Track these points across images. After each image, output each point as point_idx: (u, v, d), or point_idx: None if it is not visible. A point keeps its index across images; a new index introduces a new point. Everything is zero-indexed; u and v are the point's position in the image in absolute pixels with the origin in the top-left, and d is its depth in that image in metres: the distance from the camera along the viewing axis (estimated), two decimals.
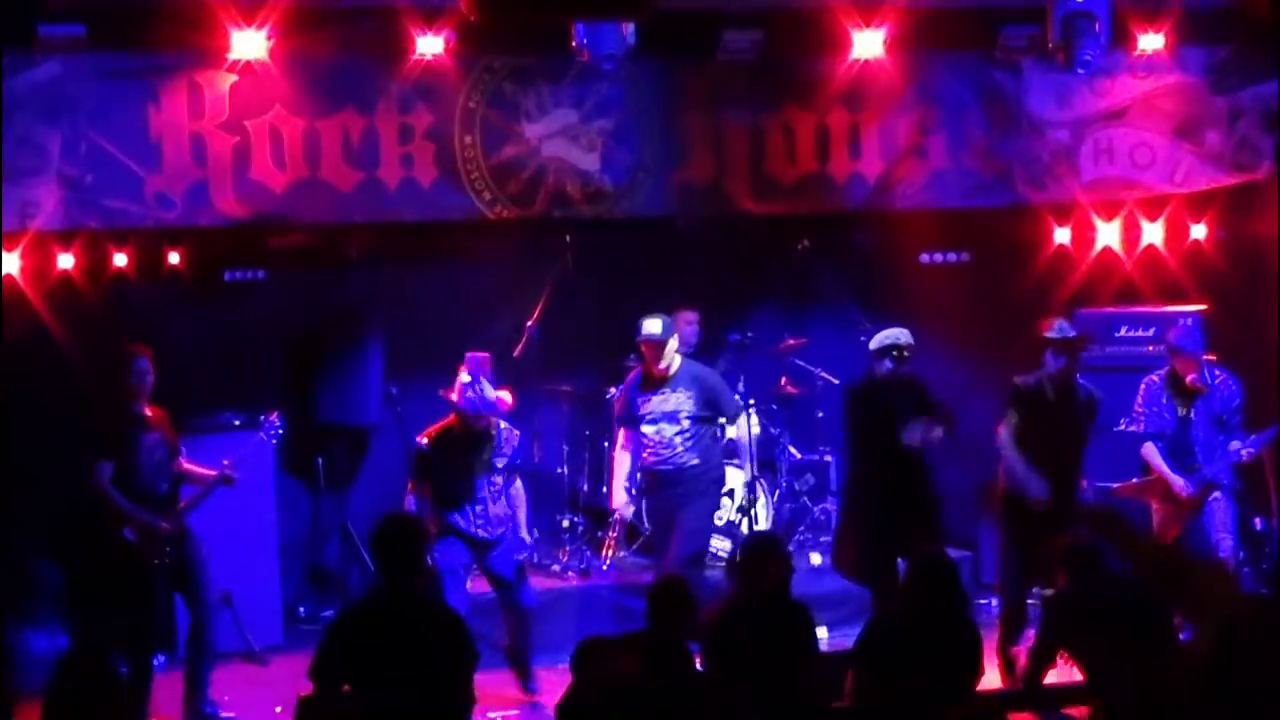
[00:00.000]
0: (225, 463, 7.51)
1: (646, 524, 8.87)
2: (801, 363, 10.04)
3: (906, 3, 8.13)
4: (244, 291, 9.31)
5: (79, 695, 4.64)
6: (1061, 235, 9.66)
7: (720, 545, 9.05)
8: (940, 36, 8.45)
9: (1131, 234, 9.56)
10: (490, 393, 7.66)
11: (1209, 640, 4.36)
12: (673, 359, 8.02)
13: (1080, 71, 8.29)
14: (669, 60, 8.51)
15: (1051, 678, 6.29)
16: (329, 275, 9.49)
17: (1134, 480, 8.10)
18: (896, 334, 7.72)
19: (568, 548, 9.37)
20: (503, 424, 7.85)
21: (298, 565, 9.48)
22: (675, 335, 8.09)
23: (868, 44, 8.25)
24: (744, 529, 8.87)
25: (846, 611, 8.37)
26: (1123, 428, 8.04)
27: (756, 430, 9.46)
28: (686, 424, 7.99)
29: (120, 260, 8.74)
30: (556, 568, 9.23)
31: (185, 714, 7.37)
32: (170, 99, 7.98)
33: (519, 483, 7.94)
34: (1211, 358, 8.12)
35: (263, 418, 7.89)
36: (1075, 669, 6.18)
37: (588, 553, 9.32)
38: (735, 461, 9.30)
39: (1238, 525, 8.08)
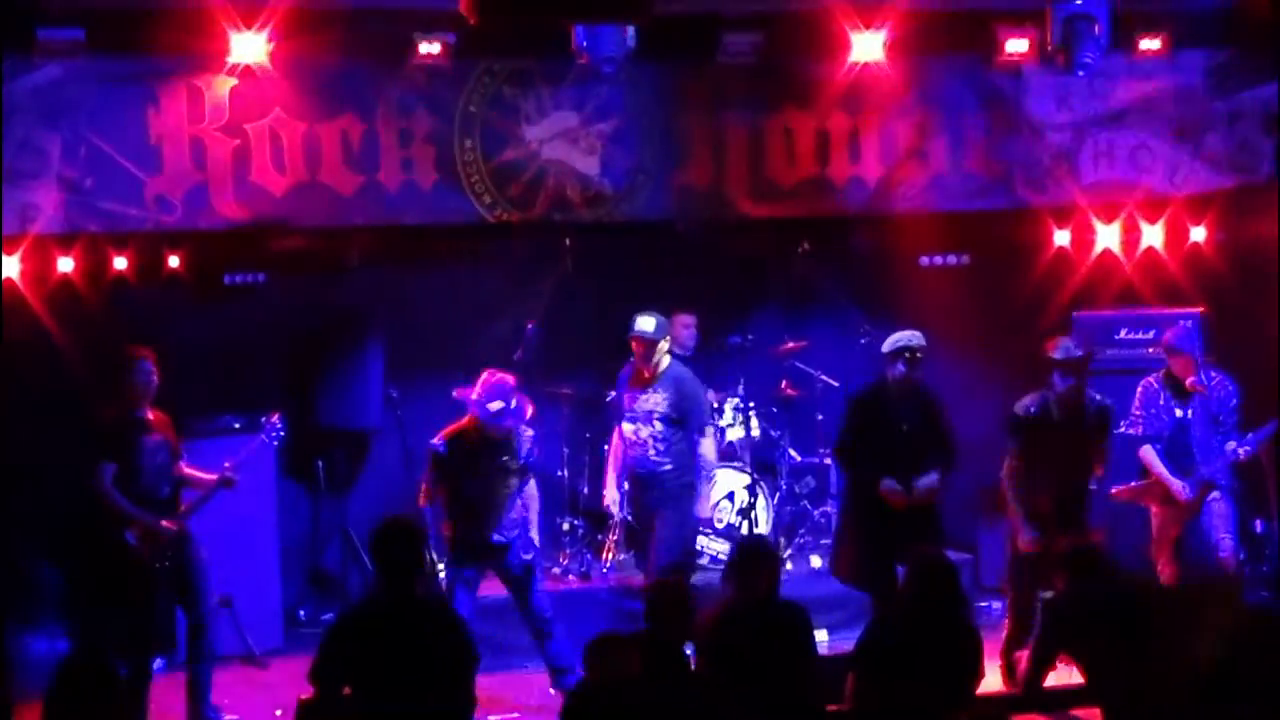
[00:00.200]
0: (226, 465, 7.51)
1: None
2: (801, 365, 10.04)
3: (906, 5, 8.12)
4: (244, 295, 9.31)
5: (78, 698, 4.64)
6: (1061, 238, 9.66)
7: (718, 548, 9.05)
8: (940, 39, 8.45)
9: (1131, 236, 9.56)
10: (525, 411, 7.61)
11: (1210, 653, 4.39)
12: (662, 360, 8.01)
13: (1080, 74, 8.29)
14: (669, 63, 8.51)
15: (1051, 679, 6.30)
16: (329, 278, 9.49)
17: (1133, 483, 8.09)
18: (909, 336, 7.69)
19: (568, 550, 9.37)
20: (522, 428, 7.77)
21: (298, 568, 9.48)
22: (668, 338, 8.09)
23: (867, 47, 8.24)
24: (744, 532, 8.88)
25: (846, 614, 8.37)
26: (1122, 430, 8.03)
27: (756, 433, 9.50)
28: (659, 426, 7.97)
29: (120, 263, 8.74)
30: (557, 570, 9.24)
31: (188, 718, 7.36)
32: (170, 102, 7.98)
33: (533, 483, 7.85)
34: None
35: (264, 420, 7.89)
36: (1075, 671, 6.19)
37: (588, 555, 9.33)
38: (736, 464, 9.32)
39: (1237, 526, 8.08)
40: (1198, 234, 9.45)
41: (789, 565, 9.35)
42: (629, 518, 8.84)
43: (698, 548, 9.08)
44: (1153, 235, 9.51)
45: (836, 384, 9.90)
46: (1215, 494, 7.90)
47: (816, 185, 8.89)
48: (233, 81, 7.98)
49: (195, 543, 7.43)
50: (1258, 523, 8.98)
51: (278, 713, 7.53)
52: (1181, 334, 8.06)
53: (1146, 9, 8.44)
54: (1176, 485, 7.89)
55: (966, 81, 8.87)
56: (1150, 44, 8.52)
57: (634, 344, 7.99)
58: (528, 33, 7.98)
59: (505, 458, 7.64)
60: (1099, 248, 9.61)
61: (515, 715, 7.57)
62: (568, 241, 9.21)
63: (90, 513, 7.31)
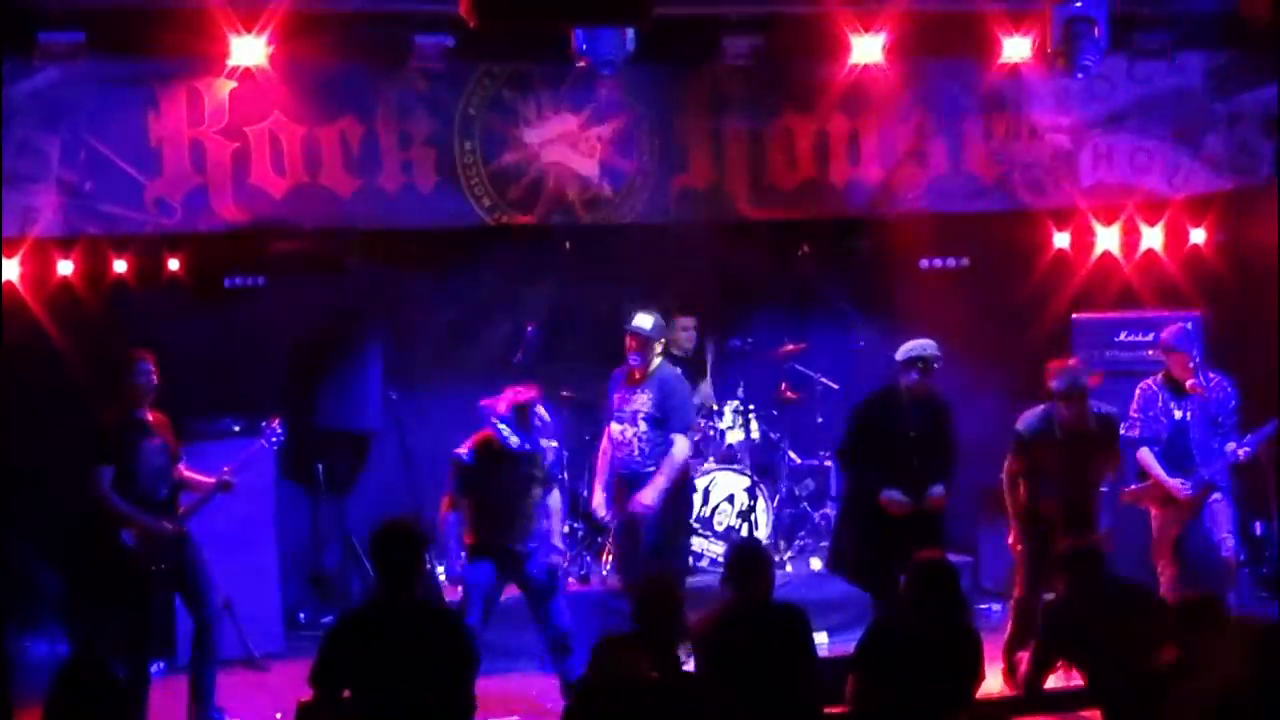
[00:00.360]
0: (225, 469, 7.50)
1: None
2: (801, 368, 10.04)
3: (905, 8, 8.13)
4: (244, 297, 9.31)
5: (78, 702, 4.64)
6: (1061, 240, 9.67)
7: (717, 550, 9.05)
8: (939, 42, 8.45)
9: (1131, 239, 9.56)
10: (535, 423, 7.56)
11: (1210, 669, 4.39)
12: (653, 361, 7.99)
13: (1079, 76, 8.29)
14: (668, 66, 8.51)
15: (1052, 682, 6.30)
16: (329, 281, 9.50)
17: (1132, 486, 8.09)
18: (925, 346, 7.68)
19: (568, 554, 9.35)
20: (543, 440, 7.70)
21: (298, 571, 9.48)
22: (663, 340, 8.07)
23: (867, 49, 8.24)
24: (744, 534, 8.88)
25: (847, 616, 8.37)
26: (1121, 433, 8.03)
27: (756, 435, 9.50)
28: (644, 427, 7.92)
29: (120, 266, 8.75)
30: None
31: None
32: (170, 105, 7.97)
33: (556, 494, 7.77)
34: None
35: (264, 424, 7.88)
36: (1076, 673, 6.20)
37: (588, 558, 9.32)
38: (736, 467, 9.32)
39: (1237, 527, 8.08)
40: (1197, 236, 9.45)
41: (789, 568, 9.36)
42: (609, 520, 8.76)
43: (696, 550, 9.10)
44: (1152, 237, 9.51)
45: (836, 386, 9.91)
46: (1216, 495, 7.91)
47: (816, 188, 8.88)
48: (232, 84, 7.96)
49: (194, 544, 7.42)
50: (1257, 524, 8.99)
51: (278, 716, 7.52)
52: (1178, 334, 8.06)
53: (1146, 11, 8.44)
54: (1174, 484, 7.89)
55: (966, 84, 8.87)
56: (1150, 46, 8.53)
57: (629, 339, 7.97)
58: (527, 35, 7.98)
59: (530, 468, 7.57)
60: (1099, 250, 9.62)
61: (515, 718, 7.57)
62: (567, 244, 9.20)
63: (89, 515, 7.30)
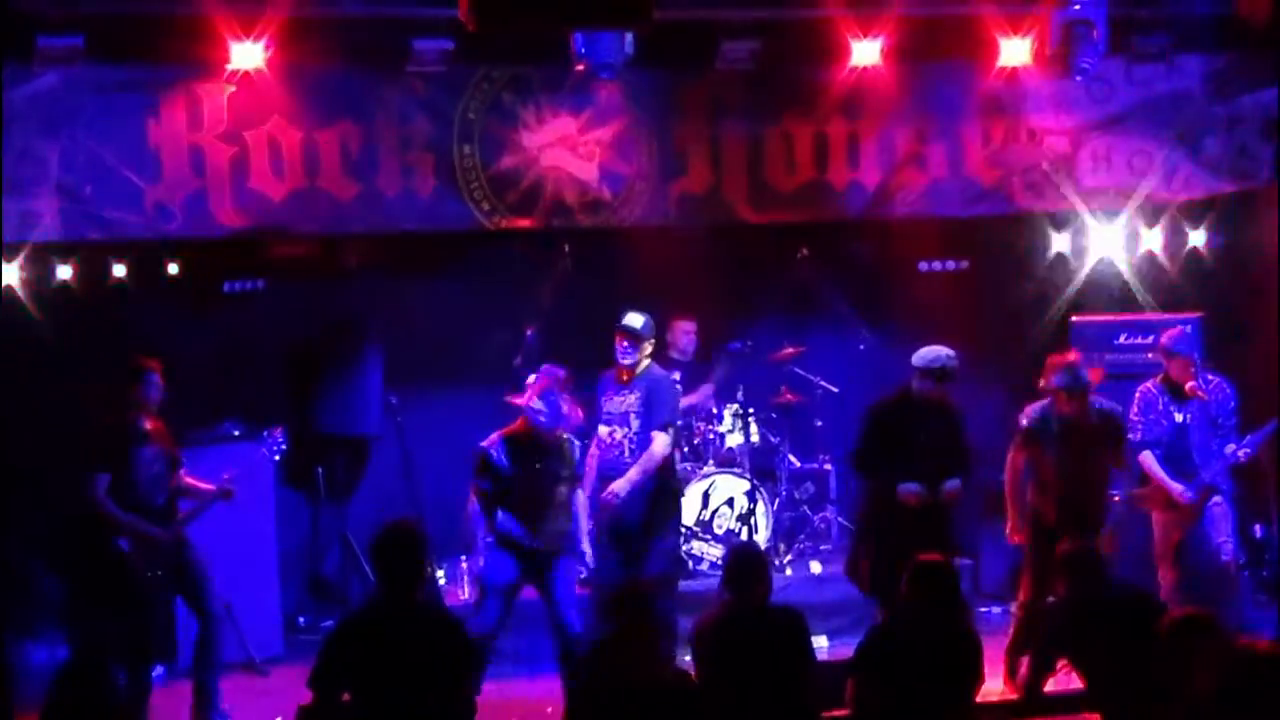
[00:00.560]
0: (225, 477, 7.50)
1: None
2: (801, 371, 10.03)
3: (904, 11, 8.13)
4: (243, 302, 9.32)
5: (77, 707, 4.64)
6: (1060, 243, 9.67)
7: (716, 554, 9.04)
8: (938, 45, 8.45)
9: (1130, 241, 9.57)
10: (564, 407, 7.47)
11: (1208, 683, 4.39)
12: (642, 362, 7.98)
13: (1078, 79, 8.30)
14: (668, 69, 8.51)
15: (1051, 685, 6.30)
16: (328, 285, 9.50)
17: (1133, 489, 8.08)
18: (944, 356, 7.62)
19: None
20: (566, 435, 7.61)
21: (297, 575, 9.48)
22: (652, 340, 8.01)
23: (866, 53, 8.24)
24: (743, 538, 8.87)
25: (846, 620, 8.38)
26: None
27: (756, 439, 9.49)
28: (635, 425, 7.85)
29: (119, 271, 8.76)
30: None
31: None
32: (169, 110, 7.97)
33: (581, 494, 7.71)
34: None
35: (266, 433, 7.88)
36: (1076, 676, 6.20)
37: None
38: (735, 470, 9.32)
39: (1237, 529, 8.08)
40: (1196, 239, 9.46)
41: (789, 571, 9.35)
42: (592, 523, 8.60)
43: (695, 554, 9.10)
44: (1151, 240, 9.51)
45: (836, 390, 9.91)
46: (1217, 498, 7.91)
47: (815, 191, 8.88)
48: (231, 89, 7.96)
49: (192, 548, 7.42)
50: (1257, 527, 8.99)
51: None
52: (1178, 337, 8.06)
53: (1144, 14, 8.44)
54: (1177, 489, 7.88)
55: (964, 87, 8.85)
56: (1148, 49, 8.54)
57: (618, 336, 7.93)
58: (527, 39, 7.97)
59: (557, 464, 7.51)
60: (1098, 253, 9.62)
61: None
62: (566, 248, 9.20)
63: (87, 521, 7.30)
